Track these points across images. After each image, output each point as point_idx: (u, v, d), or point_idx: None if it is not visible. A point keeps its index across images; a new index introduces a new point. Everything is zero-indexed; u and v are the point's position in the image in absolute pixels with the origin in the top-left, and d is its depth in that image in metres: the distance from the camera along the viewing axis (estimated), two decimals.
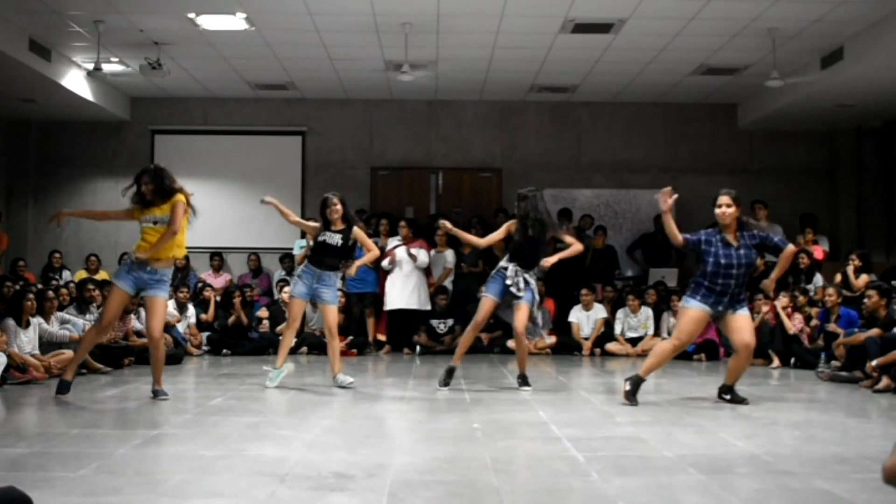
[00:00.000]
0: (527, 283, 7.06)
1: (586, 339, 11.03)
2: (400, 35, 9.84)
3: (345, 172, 13.27)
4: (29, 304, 7.98)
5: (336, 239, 7.34)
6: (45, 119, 13.01)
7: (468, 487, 3.77)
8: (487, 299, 7.10)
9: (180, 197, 6.49)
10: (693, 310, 6.28)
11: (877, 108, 11.90)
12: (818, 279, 10.61)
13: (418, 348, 10.93)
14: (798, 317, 9.68)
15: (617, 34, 9.91)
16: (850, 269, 9.94)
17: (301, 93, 12.91)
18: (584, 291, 11.19)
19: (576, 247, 7.26)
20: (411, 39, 9.95)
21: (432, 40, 10.20)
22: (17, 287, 8.80)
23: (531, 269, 7.13)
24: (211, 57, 10.94)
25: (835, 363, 8.28)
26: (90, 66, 10.47)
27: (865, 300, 8.11)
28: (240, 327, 10.75)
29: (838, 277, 10.00)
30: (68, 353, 8.09)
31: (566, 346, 11.04)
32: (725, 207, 6.28)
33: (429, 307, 11.02)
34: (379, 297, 11.08)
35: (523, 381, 7.21)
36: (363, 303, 11.08)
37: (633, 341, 10.99)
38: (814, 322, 9.39)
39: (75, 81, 11.27)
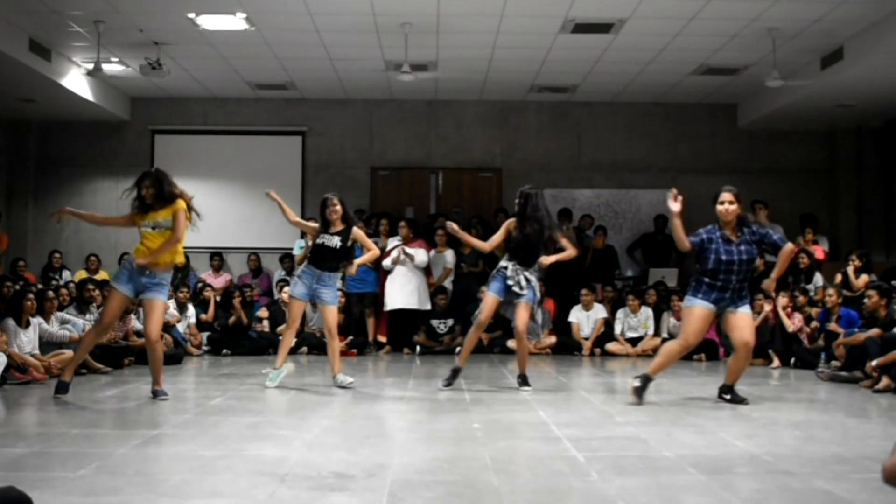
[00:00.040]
0: (528, 280, 7.07)
1: (586, 339, 11.03)
2: (400, 35, 9.84)
3: (345, 172, 13.27)
4: (29, 304, 7.99)
5: (335, 241, 7.34)
6: (45, 119, 13.01)
7: (468, 487, 3.77)
8: (490, 298, 7.11)
9: (181, 203, 6.48)
10: (697, 308, 6.28)
11: (877, 108, 11.90)
12: (818, 279, 10.61)
13: (418, 348, 10.93)
14: (798, 316, 9.67)
15: (617, 34, 9.91)
16: (850, 269, 9.95)
17: (301, 93, 12.91)
18: (584, 291, 11.20)
19: (570, 251, 7.24)
20: (411, 39, 9.95)
21: (432, 40, 10.20)
22: (17, 287, 8.79)
23: (530, 266, 7.13)
24: (211, 57, 10.95)
25: (835, 363, 8.28)
26: (90, 66, 10.47)
27: (865, 300, 8.11)
28: (240, 327, 10.75)
29: (838, 277, 10.00)
30: (68, 353, 8.09)
31: (566, 346, 11.04)
32: (728, 204, 6.28)
33: (429, 307, 11.02)
34: (379, 297, 11.08)
35: (523, 381, 7.21)
36: (363, 303, 11.08)
37: (633, 341, 10.99)
38: (814, 324, 9.38)
39: (75, 81, 11.27)
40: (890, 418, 6.11)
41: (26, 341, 7.85)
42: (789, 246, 6.38)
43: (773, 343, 9.63)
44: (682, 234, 6.25)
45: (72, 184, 13.24)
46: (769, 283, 6.45)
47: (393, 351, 11.04)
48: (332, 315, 7.36)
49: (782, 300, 9.75)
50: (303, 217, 12.74)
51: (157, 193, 6.44)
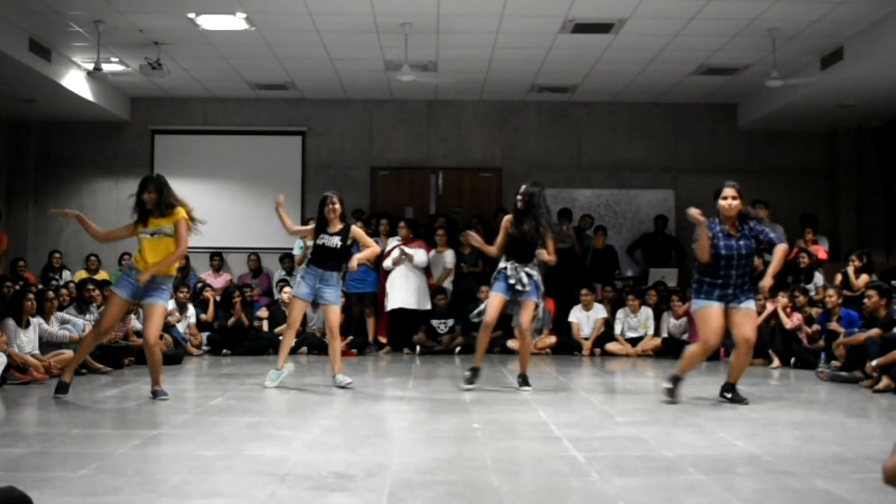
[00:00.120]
0: (529, 276, 7.07)
1: (586, 339, 11.03)
2: (400, 35, 9.84)
3: (345, 172, 13.27)
4: (29, 304, 7.99)
5: (335, 241, 7.34)
6: (45, 119, 13.01)
7: (468, 487, 3.77)
8: (495, 298, 7.11)
9: (182, 213, 6.48)
10: (705, 308, 6.28)
11: (877, 108, 11.90)
12: (818, 279, 10.61)
13: (418, 348, 10.93)
14: (797, 315, 9.67)
15: (617, 34, 9.91)
16: (850, 269, 9.95)
17: (301, 93, 12.91)
18: (584, 291, 11.20)
19: (551, 256, 7.19)
20: (411, 39, 9.95)
21: (432, 40, 10.20)
22: (17, 287, 8.80)
23: (527, 262, 7.13)
24: (211, 57, 10.95)
25: (835, 363, 8.28)
26: (90, 66, 10.47)
27: (865, 300, 8.10)
28: (240, 328, 10.75)
29: (838, 278, 10.00)
30: (68, 353, 8.09)
31: (566, 346, 11.04)
32: (731, 200, 6.28)
33: (429, 307, 11.02)
34: (379, 297, 11.09)
35: (523, 381, 7.20)
36: (363, 303, 11.08)
37: (633, 341, 10.99)
38: (815, 326, 9.37)
39: (75, 81, 11.27)
40: (890, 418, 6.11)
41: (26, 341, 7.85)
42: (782, 246, 6.37)
43: (773, 343, 9.63)
44: (707, 244, 6.21)
45: (72, 184, 13.24)
46: (765, 284, 6.42)
47: (393, 351, 11.04)
48: (334, 315, 7.36)
49: (782, 300, 9.75)
50: (302, 217, 12.82)
51: (158, 200, 6.44)
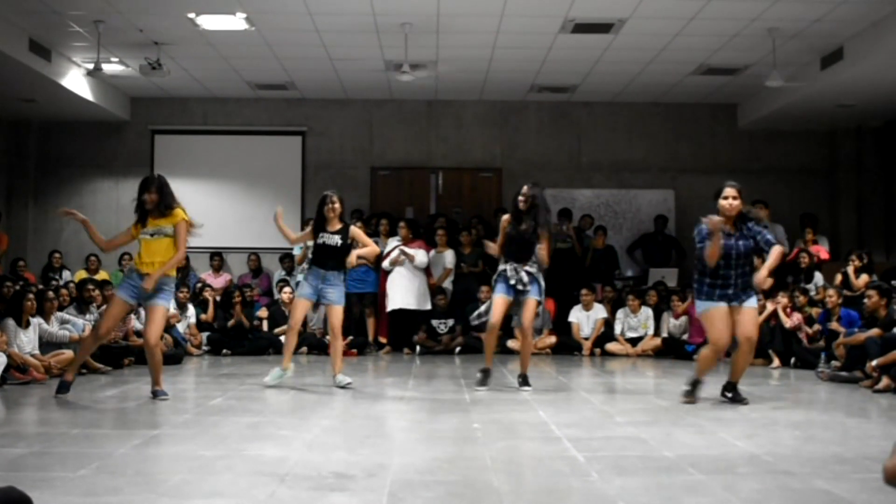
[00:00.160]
0: (529, 275, 7.08)
1: (586, 339, 11.03)
2: (400, 35, 9.84)
3: (345, 172, 13.27)
4: (29, 305, 7.99)
5: (335, 239, 7.35)
6: (45, 119, 13.01)
7: (468, 487, 3.77)
8: (498, 299, 7.11)
9: (181, 214, 6.49)
10: (710, 310, 6.28)
11: (877, 108, 11.90)
12: (818, 279, 10.61)
13: (418, 348, 10.93)
14: (797, 315, 9.67)
15: (617, 34, 9.91)
16: (850, 269, 9.95)
17: (301, 93, 12.91)
18: (584, 291, 11.20)
19: (544, 259, 7.19)
20: (411, 39, 9.95)
21: (432, 40, 10.20)
22: (17, 287, 8.79)
23: (526, 261, 7.13)
24: (211, 57, 10.94)
25: (835, 363, 8.28)
26: (90, 66, 10.47)
27: (865, 300, 8.10)
28: (240, 329, 10.74)
29: (838, 278, 10.00)
30: (68, 353, 8.09)
31: (566, 346, 11.04)
32: (732, 200, 6.29)
33: (429, 307, 11.02)
34: (379, 297, 11.08)
35: (524, 380, 7.21)
36: (363, 303, 11.08)
37: (633, 341, 10.99)
38: (816, 326, 9.36)
39: (75, 81, 11.27)
40: (890, 418, 6.11)
41: (26, 341, 7.85)
42: (777, 248, 6.36)
43: (773, 343, 9.62)
44: (718, 250, 6.21)
45: (72, 184, 13.24)
46: (760, 279, 6.39)
47: (393, 351, 11.04)
48: (337, 315, 7.35)
49: (782, 300, 9.75)
50: (302, 217, 12.83)
51: (159, 200, 6.45)
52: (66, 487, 3.68)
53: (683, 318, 10.76)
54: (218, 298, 11.33)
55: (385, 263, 10.91)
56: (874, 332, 7.77)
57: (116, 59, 10.95)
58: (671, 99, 13.02)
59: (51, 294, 8.56)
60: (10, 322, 7.78)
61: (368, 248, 7.66)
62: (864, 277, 9.78)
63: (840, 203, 13.13)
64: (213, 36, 10.09)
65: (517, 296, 7.11)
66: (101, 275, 11.56)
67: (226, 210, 13.00)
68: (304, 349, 10.63)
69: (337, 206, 7.44)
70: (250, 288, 11.51)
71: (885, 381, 7.11)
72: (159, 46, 10.33)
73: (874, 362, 7.36)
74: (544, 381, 7.88)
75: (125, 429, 5.33)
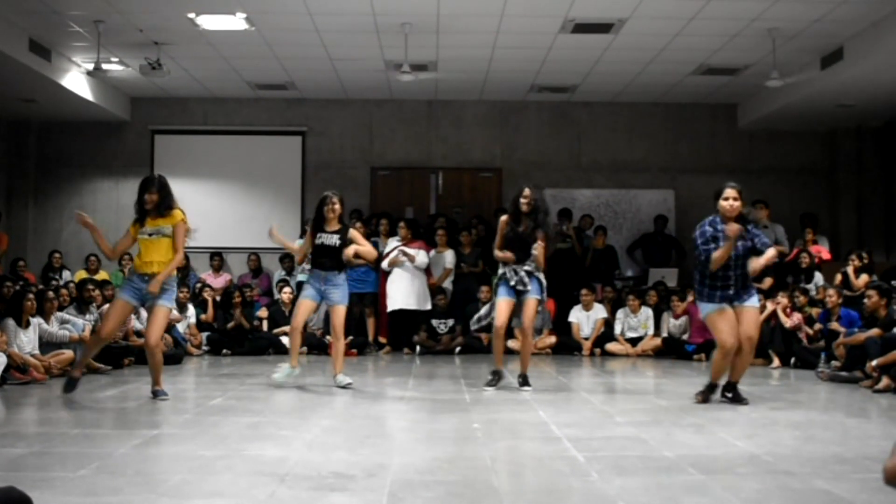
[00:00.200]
0: (529, 275, 7.09)
1: (586, 339, 11.03)
2: (400, 35, 9.84)
3: (345, 172, 13.27)
4: (29, 305, 7.99)
5: (333, 239, 7.35)
6: (45, 119, 13.01)
7: (468, 487, 3.77)
8: (502, 302, 7.12)
9: (180, 215, 6.49)
10: (714, 312, 6.29)
11: (877, 108, 11.90)
12: (818, 279, 10.61)
13: (418, 348, 10.93)
14: (797, 315, 9.66)
15: (617, 34, 9.91)
16: (850, 269, 9.95)
17: (301, 93, 12.91)
18: (584, 291, 11.20)
19: (539, 257, 7.20)
20: (411, 39, 9.95)
21: (432, 40, 10.20)
22: (17, 287, 8.79)
23: (524, 262, 7.14)
24: (211, 57, 10.94)
25: (835, 363, 8.28)
26: (90, 66, 10.47)
27: (865, 300, 8.11)
28: (240, 330, 10.72)
29: (838, 278, 10.00)
30: (68, 353, 8.10)
31: (566, 346, 11.04)
32: (733, 201, 6.30)
33: (429, 307, 11.02)
34: (379, 297, 11.08)
35: (524, 381, 7.21)
36: (363, 303, 11.07)
37: (633, 341, 10.99)
38: (817, 326, 9.36)
39: (75, 81, 11.27)
40: (890, 418, 6.11)
41: (26, 341, 7.85)
42: (772, 249, 6.40)
43: (773, 343, 9.62)
44: (726, 258, 6.22)
45: (72, 184, 13.24)
46: (756, 266, 6.38)
47: (393, 351, 11.04)
48: (339, 316, 7.35)
49: (782, 300, 9.75)
50: (302, 216, 12.83)
51: (160, 201, 6.45)
52: (66, 487, 3.68)
53: (683, 318, 10.76)
54: (218, 298, 11.33)
55: (384, 264, 10.91)
56: (874, 332, 7.77)
57: (116, 59, 10.95)
58: (671, 99, 13.02)
59: (51, 294, 8.56)
60: (10, 322, 7.78)
61: (366, 248, 7.63)
62: (864, 277, 9.78)
63: (840, 203, 13.13)
64: (213, 36, 10.09)
65: (518, 296, 7.13)
66: (101, 275, 11.55)
67: (226, 210, 13.01)
68: (304, 349, 10.62)
69: (337, 206, 7.44)
70: (250, 288, 11.51)
71: (885, 381, 7.12)
72: (159, 46, 10.32)
73: (874, 362, 7.36)
74: (544, 381, 7.88)
75: (125, 429, 5.33)
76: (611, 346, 10.95)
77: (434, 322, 11.06)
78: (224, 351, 10.56)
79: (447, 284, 11.31)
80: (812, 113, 12.13)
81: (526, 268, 7.12)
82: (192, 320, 10.64)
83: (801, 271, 10.67)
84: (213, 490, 3.69)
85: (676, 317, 10.85)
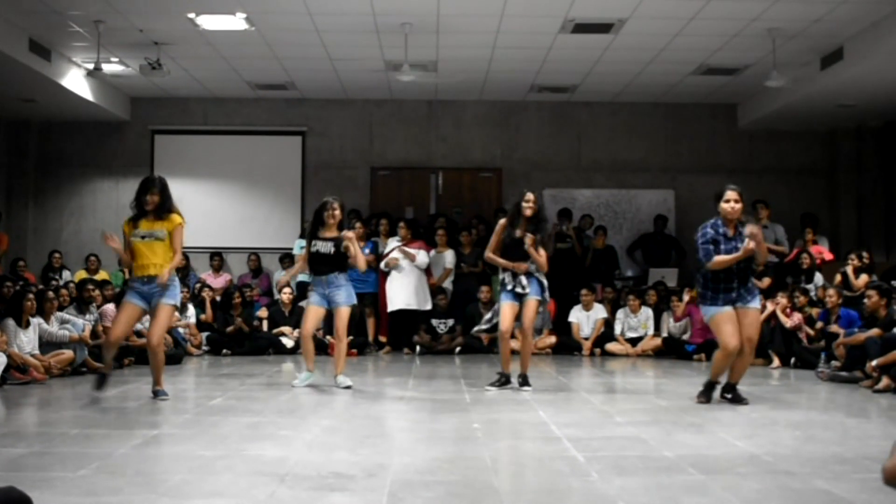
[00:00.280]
0: (528, 276, 7.09)
1: (586, 339, 11.03)
2: (400, 35, 9.84)
3: (345, 172, 13.27)
4: (29, 305, 7.99)
5: (328, 247, 7.34)
6: (45, 119, 13.01)
7: (468, 487, 3.77)
8: (506, 306, 7.12)
9: (178, 219, 6.47)
10: (717, 316, 6.29)
11: (877, 108, 11.90)
12: (818, 279, 10.61)
13: (418, 348, 10.93)
14: (798, 315, 9.66)
15: (617, 34, 9.91)
16: (849, 269, 9.95)
17: (301, 93, 12.91)
18: (584, 291, 11.20)
19: (543, 260, 7.21)
20: (411, 39, 9.95)
21: (432, 40, 10.20)
22: (17, 287, 8.80)
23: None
24: (211, 57, 10.94)
25: (835, 363, 8.28)
26: (90, 66, 10.47)
27: (865, 300, 8.11)
28: (240, 331, 10.70)
29: (838, 278, 10.00)
30: (68, 353, 8.10)
31: (566, 346, 11.04)
32: (734, 203, 6.30)
33: (429, 307, 11.02)
34: (379, 297, 11.08)
35: (524, 381, 7.21)
36: (363, 303, 11.06)
37: (633, 341, 10.99)
38: (819, 325, 9.35)
39: (75, 81, 11.27)
40: (890, 418, 6.11)
41: (26, 341, 7.85)
42: (750, 243, 6.43)
43: (773, 343, 9.62)
44: (733, 260, 6.23)
45: (72, 184, 13.24)
46: (753, 229, 6.38)
47: (393, 351, 11.04)
48: (343, 317, 7.34)
49: (782, 300, 9.75)
50: (302, 217, 12.84)
51: (160, 203, 6.43)
52: (66, 487, 3.68)
53: (684, 320, 10.75)
54: (218, 299, 11.32)
55: (381, 265, 10.92)
56: (874, 332, 7.77)
57: (116, 59, 10.95)
58: (671, 99, 13.02)
59: (51, 294, 8.56)
60: (10, 322, 7.78)
61: (356, 257, 7.45)
62: (863, 277, 9.78)
63: (840, 203, 13.12)
64: (213, 36, 10.09)
65: (520, 299, 7.13)
66: (101, 275, 11.55)
67: (226, 210, 13.01)
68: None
69: (337, 212, 7.43)
70: (250, 288, 11.52)
71: (885, 381, 7.12)
72: (159, 46, 10.32)
73: (874, 362, 7.36)
74: (544, 381, 7.88)
75: (125, 429, 5.32)
76: (611, 346, 10.95)
77: (434, 322, 11.06)
78: (224, 351, 10.56)
79: (447, 284, 11.31)
80: (812, 113, 12.13)
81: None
82: (192, 320, 10.64)
83: (801, 272, 10.66)
84: (213, 490, 3.69)
85: (677, 320, 10.84)
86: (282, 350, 10.62)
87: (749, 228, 6.25)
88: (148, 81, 11.69)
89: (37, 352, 7.91)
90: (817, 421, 5.86)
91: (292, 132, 13.33)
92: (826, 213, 13.02)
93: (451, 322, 11.05)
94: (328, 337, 9.84)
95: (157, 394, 6.47)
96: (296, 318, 10.64)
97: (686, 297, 10.73)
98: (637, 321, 11.09)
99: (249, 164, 13.20)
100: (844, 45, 9.94)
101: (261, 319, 11.02)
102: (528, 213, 7.14)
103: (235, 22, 9.57)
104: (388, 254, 10.97)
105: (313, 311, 7.40)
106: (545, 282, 7.23)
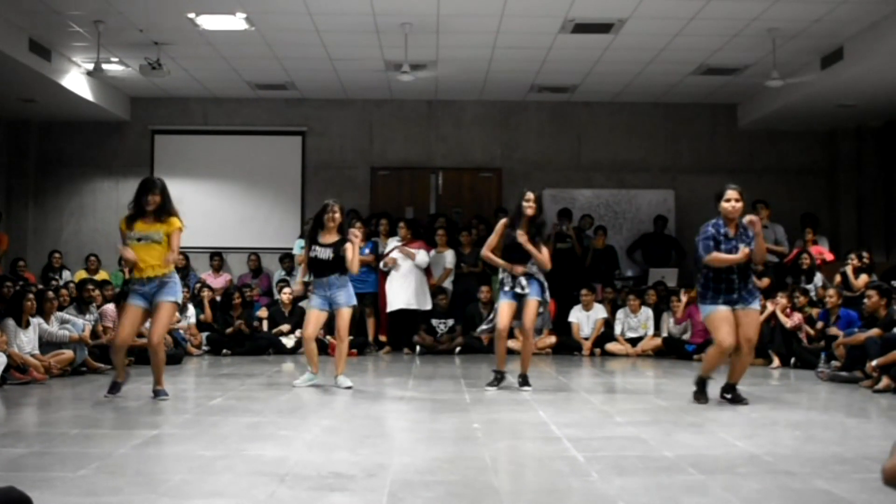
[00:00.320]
0: (528, 277, 7.09)
1: (586, 339, 11.03)
2: (400, 35, 9.84)
3: (345, 172, 13.27)
4: (29, 305, 7.99)
5: (327, 253, 7.33)
6: (45, 119, 13.01)
7: (468, 487, 3.77)
8: (504, 305, 7.12)
9: (177, 223, 6.46)
10: (713, 314, 6.29)
11: (877, 108, 11.89)
12: (818, 279, 10.60)
13: (418, 348, 10.93)
14: (798, 315, 9.66)
15: (617, 34, 9.90)
16: (848, 270, 9.95)
17: (301, 93, 12.91)
18: (584, 291, 11.20)
19: (545, 258, 7.20)
20: (411, 39, 9.95)
21: (432, 40, 10.20)
22: (17, 287, 8.80)
23: (525, 265, 7.14)
24: (211, 57, 10.94)
25: (835, 363, 8.28)
26: (90, 66, 10.47)
27: (865, 300, 8.11)
28: (240, 332, 10.70)
29: (838, 278, 10.00)
30: (68, 353, 8.10)
31: (566, 346, 11.04)
32: (734, 202, 6.31)
33: (429, 307, 11.02)
34: (379, 297, 11.08)
35: (524, 381, 7.21)
36: (363, 303, 11.06)
37: (633, 341, 10.99)
38: (819, 324, 9.35)
39: (75, 81, 11.27)
40: (890, 418, 6.11)
41: (26, 341, 7.85)
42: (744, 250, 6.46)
43: (773, 343, 9.62)
44: (733, 259, 6.24)
45: (72, 184, 13.24)
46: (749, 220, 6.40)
47: (393, 351, 11.04)
48: (344, 318, 7.34)
49: (781, 301, 9.75)
50: (302, 217, 12.84)
51: (161, 204, 6.43)
52: (66, 487, 3.68)
53: (685, 322, 10.75)
54: (218, 299, 11.32)
55: (380, 264, 10.92)
56: (874, 332, 7.77)
57: (116, 59, 10.95)
58: (671, 99, 13.02)
59: (51, 294, 8.56)
60: (10, 322, 7.78)
61: (351, 262, 7.36)
62: (863, 277, 9.78)
63: (840, 203, 13.12)
64: (213, 36, 10.09)
65: (519, 299, 7.12)
66: (101, 275, 11.55)
67: (226, 210, 13.01)
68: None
69: (337, 215, 7.42)
70: (250, 288, 11.51)
71: (885, 381, 7.12)
72: (159, 46, 10.32)
73: (874, 362, 7.36)
74: (544, 381, 7.88)
75: (125, 429, 5.33)
76: (611, 346, 10.95)
77: (434, 322, 11.06)
78: (224, 351, 10.56)
79: (447, 284, 11.31)
80: (812, 113, 12.13)
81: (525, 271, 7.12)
82: (192, 320, 10.64)
83: (801, 272, 10.66)
84: (213, 490, 3.70)
85: (678, 322, 10.83)
86: (282, 350, 10.62)
87: (748, 217, 6.26)
88: (148, 81, 11.69)
89: (37, 352, 7.91)
90: (817, 421, 5.86)
91: (292, 132, 13.33)
92: (826, 213, 13.02)
93: (451, 322, 11.05)
94: (329, 337, 9.84)
95: (157, 394, 6.47)
96: (296, 318, 10.64)
97: (684, 299, 10.73)
98: (637, 321, 11.09)
99: (249, 164, 13.19)
100: (844, 45, 9.94)
101: (261, 319, 11.02)
102: (530, 212, 7.13)
103: (235, 22, 9.57)
104: (387, 254, 10.97)
105: (315, 315, 7.40)
106: (545, 282, 7.23)
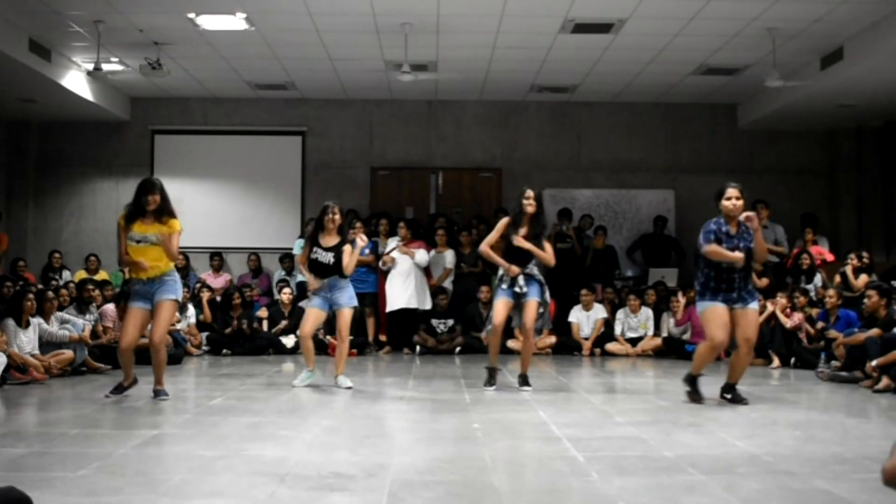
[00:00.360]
0: (528, 277, 7.09)
1: (586, 339, 11.03)
2: (400, 35, 9.84)
3: (345, 172, 13.27)
4: (29, 305, 7.99)
5: (328, 257, 7.34)
6: (45, 119, 13.01)
7: (468, 487, 3.77)
8: (500, 302, 7.12)
9: (177, 225, 6.46)
10: (711, 308, 6.29)
11: (877, 108, 11.89)
12: (818, 279, 10.61)
13: (418, 348, 10.93)
14: (798, 315, 9.67)
15: (617, 34, 9.91)
16: (848, 270, 9.95)
17: (301, 93, 12.91)
18: (584, 291, 11.20)
19: (548, 257, 7.22)
20: (411, 39, 9.95)
21: (432, 40, 10.20)
22: (17, 287, 8.80)
23: (525, 265, 7.14)
24: (211, 57, 10.94)
25: (835, 363, 8.28)
26: (90, 66, 10.47)
27: (865, 300, 8.11)
28: (240, 331, 10.70)
29: (838, 278, 10.00)
30: (68, 353, 8.10)
31: (566, 346, 11.04)
32: (735, 200, 6.32)
33: (429, 307, 11.02)
34: (379, 297, 11.08)
35: (524, 381, 7.21)
36: (363, 303, 11.05)
37: (633, 341, 10.99)
38: (820, 324, 9.35)
39: (75, 81, 11.27)
40: (890, 418, 6.11)
41: (26, 341, 7.85)
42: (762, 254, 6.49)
43: (773, 343, 9.62)
44: (731, 256, 6.25)
45: (72, 184, 13.24)
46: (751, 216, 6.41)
47: (393, 351, 11.04)
48: (345, 318, 7.34)
49: (781, 301, 9.75)
50: (302, 217, 12.84)
51: (161, 206, 6.43)
52: (66, 487, 3.68)
53: (685, 324, 10.74)
54: (218, 299, 11.32)
55: (380, 264, 10.92)
56: (874, 332, 7.77)
57: (116, 59, 10.95)
58: (671, 99, 13.02)
59: (51, 294, 8.56)
60: (10, 322, 7.78)
61: (348, 265, 7.35)
62: (863, 277, 9.78)
63: (840, 203, 13.12)
64: (213, 36, 10.09)
65: (517, 299, 7.12)
66: (101, 275, 11.56)
67: (226, 210, 13.01)
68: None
69: (337, 217, 7.43)
70: (250, 288, 11.51)
71: (885, 381, 7.12)
72: (159, 46, 10.32)
73: (874, 362, 7.36)
74: (544, 381, 7.88)
75: (125, 429, 5.33)
76: (611, 347, 10.95)
77: (434, 322, 11.06)
78: (224, 351, 10.56)
79: (447, 284, 11.31)
80: (812, 113, 12.13)
81: (525, 271, 7.11)
82: (192, 320, 10.64)
83: (801, 272, 10.66)
84: (213, 490, 3.70)
85: (678, 324, 10.83)
86: (282, 350, 10.62)
87: (745, 214, 6.27)
88: (148, 81, 11.69)
89: (37, 352, 7.91)
90: (817, 421, 5.86)
91: (292, 132, 13.33)
92: (826, 213, 13.02)
93: (451, 322, 11.05)
94: (328, 337, 9.85)
95: (157, 394, 6.46)
96: (295, 318, 10.64)
97: (683, 300, 10.72)
98: (637, 321, 11.09)
99: (249, 164, 13.19)
100: (844, 45, 9.94)
101: (261, 319, 11.02)
102: (530, 209, 7.13)
103: (235, 22, 9.57)
104: (387, 254, 10.97)
105: (313, 314, 7.41)
106: (545, 283, 7.23)
